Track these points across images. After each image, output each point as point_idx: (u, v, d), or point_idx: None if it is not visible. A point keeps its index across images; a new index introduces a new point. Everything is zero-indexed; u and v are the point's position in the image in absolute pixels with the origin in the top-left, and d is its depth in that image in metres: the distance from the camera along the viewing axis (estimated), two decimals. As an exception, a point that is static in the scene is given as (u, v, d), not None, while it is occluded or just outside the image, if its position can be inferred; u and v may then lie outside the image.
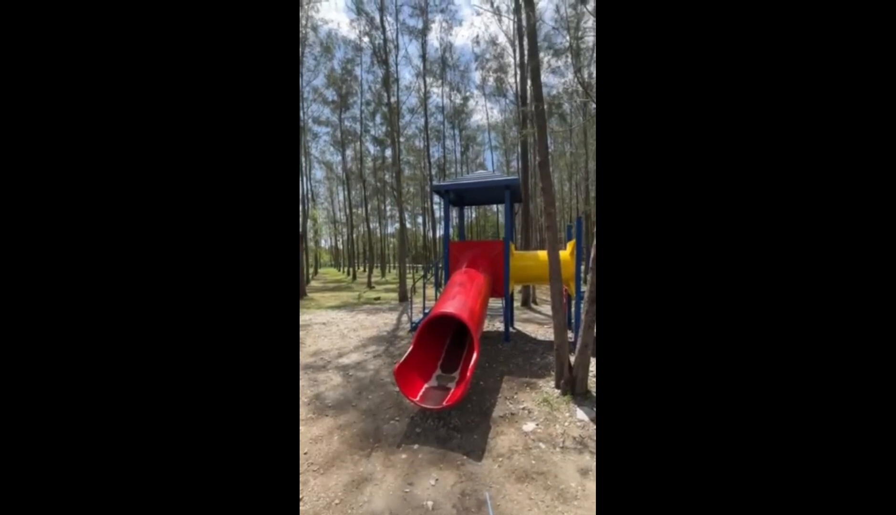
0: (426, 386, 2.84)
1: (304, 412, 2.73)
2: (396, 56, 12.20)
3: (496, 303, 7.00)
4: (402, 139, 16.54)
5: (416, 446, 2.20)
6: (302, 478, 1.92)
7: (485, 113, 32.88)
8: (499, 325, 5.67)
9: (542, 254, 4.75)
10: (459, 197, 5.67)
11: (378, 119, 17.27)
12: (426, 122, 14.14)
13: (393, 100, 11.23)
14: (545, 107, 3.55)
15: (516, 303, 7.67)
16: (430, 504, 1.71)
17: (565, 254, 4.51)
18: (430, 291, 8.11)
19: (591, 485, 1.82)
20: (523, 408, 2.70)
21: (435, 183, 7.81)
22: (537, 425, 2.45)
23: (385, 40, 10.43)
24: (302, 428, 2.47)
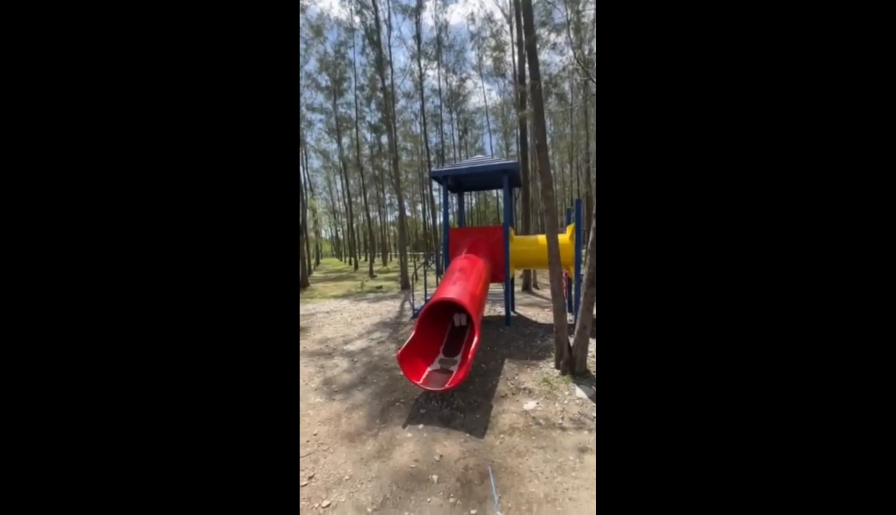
0: (429, 369, 2.93)
1: (313, 397, 2.83)
2: (389, 36, 11.80)
3: (497, 289, 7.07)
4: (398, 125, 16.19)
5: (420, 426, 2.30)
6: (312, 457, 2.02)
7: (483, 95, 32.07)
8: (500, 310, 5.74)
9: (542, 239, 4.75)
10: (458, 183, 5.62)
11: (373, 105, 16.87)
12: (422, 106, 13.79)
13: (387, 83, 10.94)
14: (543, 86, 3.47)
15: (517, 288, 7.72)
16: (434, 478, 1.81)
17: (564, 237, 4.51)
18: (432, 278, 8.17)
19: (589, 458, 1.91)
20: (524, 388, 2.78)
21: (433, 169, 7.73)
22: (537, 403, 2.53)
23: (377, 20, 10.06)
24: (311, 412, 2.57)
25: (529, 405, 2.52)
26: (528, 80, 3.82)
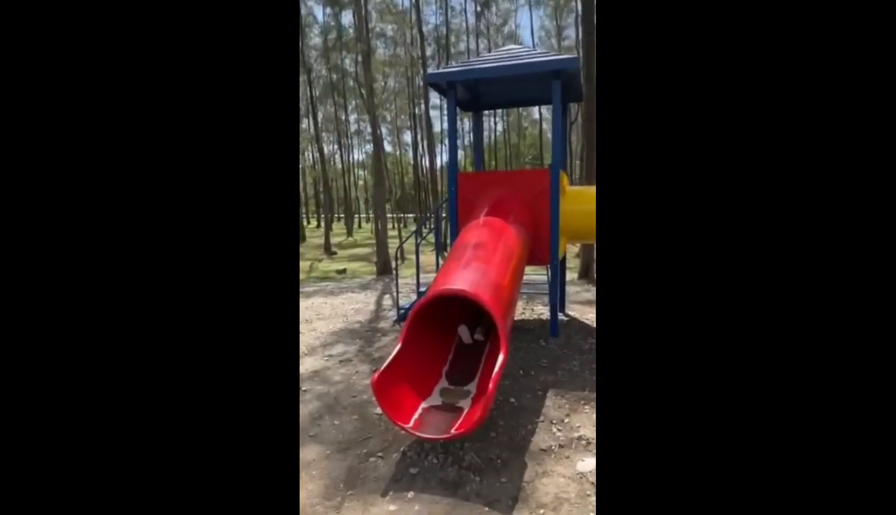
0: (424, 404, 3.01)
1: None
2: None
3: (538, 274, 7.10)
4: (371, -8, 15.63)
5: (410, 493, 2.40)
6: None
7: (518, -63, 30.53)
8: (542, 310, 5.82)
9: (616, 191, 4.70)
10: (474, 94, 5.55)
11: (327, -44, 16.23)
12: (413, -41, 13.28)
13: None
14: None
15: (571, 275, 7.76)
16: (433, 573, 1.90)
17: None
18: (429, 258, 8.22)
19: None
20: (579, 437, 2.86)
21: (431, 71, 7.57)
22: (600, 461, 2.61)
23: None
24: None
25: (587, 464, 2.59)
26: None
